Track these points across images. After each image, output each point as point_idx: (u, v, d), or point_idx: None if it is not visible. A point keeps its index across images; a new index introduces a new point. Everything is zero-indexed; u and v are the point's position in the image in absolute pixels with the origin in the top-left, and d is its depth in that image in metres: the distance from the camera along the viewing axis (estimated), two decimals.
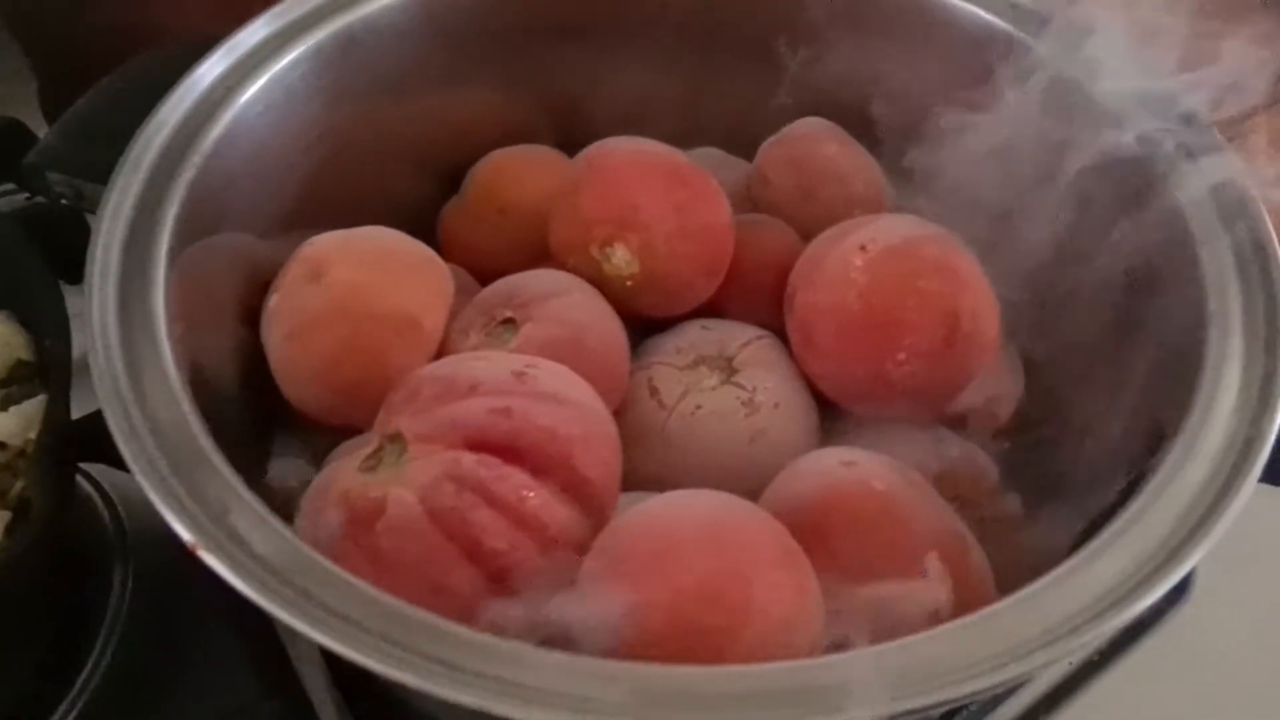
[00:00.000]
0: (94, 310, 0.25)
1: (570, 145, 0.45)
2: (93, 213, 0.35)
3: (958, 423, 0.37)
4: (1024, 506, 0.35)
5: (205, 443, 0.24)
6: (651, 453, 0.35)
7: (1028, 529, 0.34)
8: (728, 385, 0.36)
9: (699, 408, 0.35)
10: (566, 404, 0.28)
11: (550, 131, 0.46)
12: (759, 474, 0.34)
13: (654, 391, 0.36)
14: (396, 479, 0.26)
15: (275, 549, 0.22)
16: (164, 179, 0.29)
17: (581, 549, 0.27)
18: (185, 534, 0.21)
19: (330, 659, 0.40)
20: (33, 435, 0.38)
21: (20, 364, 0.41)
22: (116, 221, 0.27)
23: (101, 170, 0.34)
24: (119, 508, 0.47)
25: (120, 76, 0.36)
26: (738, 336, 0.37)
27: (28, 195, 0.56)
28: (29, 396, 0.40)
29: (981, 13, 0.38)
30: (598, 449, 0.28)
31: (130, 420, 0.23)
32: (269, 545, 0.22)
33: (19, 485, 0.37)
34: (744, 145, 0.46)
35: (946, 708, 0.20)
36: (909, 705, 0.20)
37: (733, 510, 0.26)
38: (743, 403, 0.35)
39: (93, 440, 0.39)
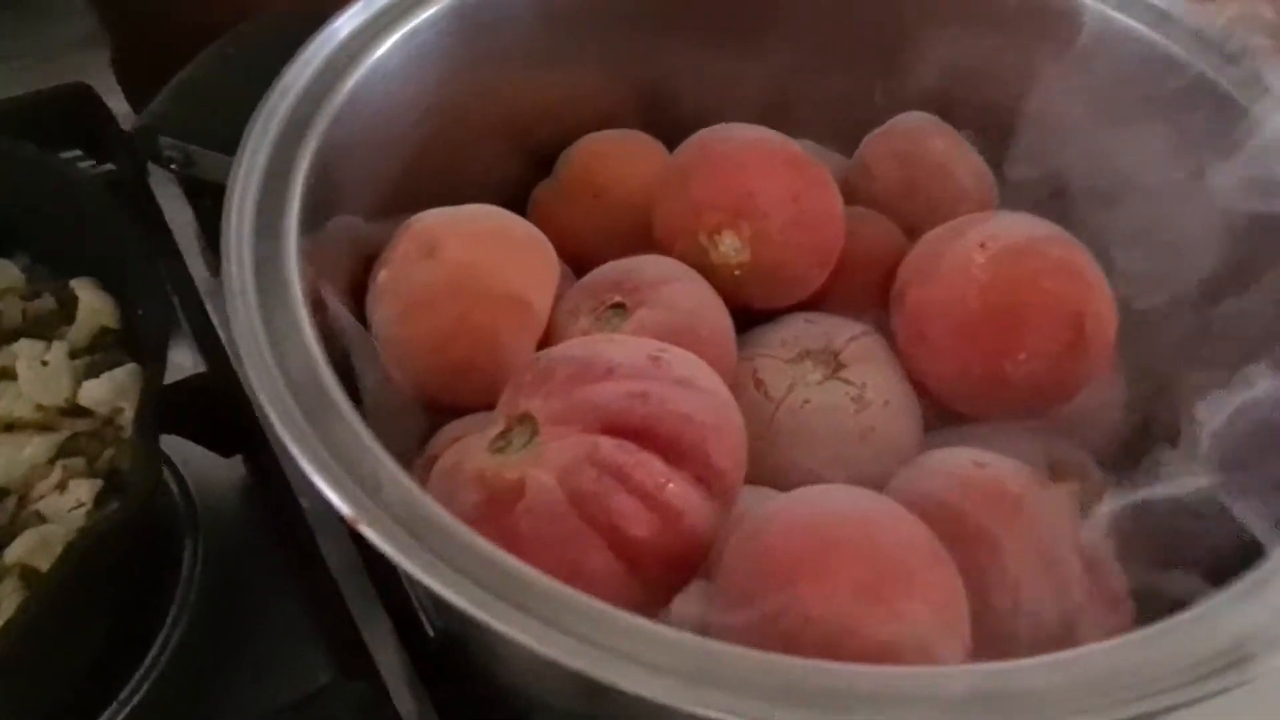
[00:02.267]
0: (232, 272, 0.24)
1: (660, 132, 0.44)
2: (201, 178, 0.34)
3: (1064, 426, 0.37)
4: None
5: (346, 407, 0.23)
6: (757, 446, 0.33)
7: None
8: (835, 380, 0.35)
9: (807, 402, 0.34)
10: (700, 391, 0.27)
11: (641, 118, 0.45)
12: (868, 471, 0.33)
13: (759, 384, 0.35)
14: (533, 460, 0.25)
15: (426, 524, 0.21)
16: (291, 146, 0.28)
17: (712, 538, 0.26)
18: (346, 509, 0.21)
19: (409, 643, 0.40)
20: (122, 404, 0.38)
21: (105, 331, 0.41)
22: (248, 189, 0.27)
23: (212, 136, 0.33)
24: (189, 483, 0.46)
25: (228, 43, 0.35)
26: (843, 331, 0.37)
27: (94, 163, 0.56)
28: (114, 364, 0.39)
29: (1100, 6, 0.37)
30: (729, 438, 0.27)
31: (278, 393, 0.22)
32: (420, 520, 0.21)
33: (108, 454, 0.37)
34: (837, 139, 0.45)
35: None
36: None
37: (882, 509, 0.25)
38: (852, 399, 0.34)
39: (170, 414, 0.38)
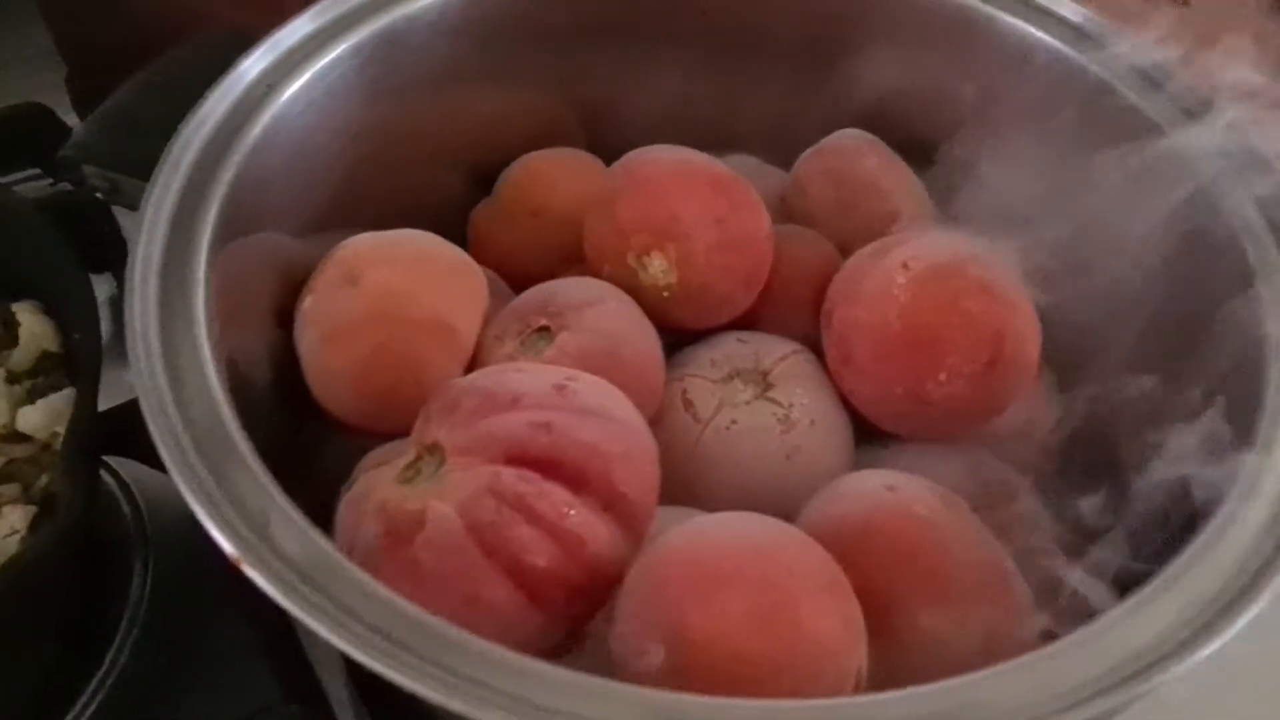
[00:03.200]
0: (135, 310, 0.25)
1: (602, 149, 0.44)
2: (127, 206, 0.35)
3: (993, 445, 0.37)
4: (1062, 535, 0.34)
5: (244, 447, 0.24)
6: (684, 467, 0.34)
7: (1066, 558, 0.33)
8: (763, 400, 0.35)
9: (734, 423, 0.35)
10: (608, 419, 0.27)
11: (583, 135, 0.45)
12: (793, 491, 0.33)
13: (688, 404, 0.35)
14: (436, 492, 0.26)
15: (315, 562, 0.21)
16: (205, 177, 0.29)
17: (619, 566, 0.27)
18: (228, 547, 0.21)
19: (351, 663, 0.40)
20: (59, 429, 0.38)
21: (46, 355, 0.41)
22: (158, 219, 0.27)
23: (137, 164, 0.33)
24: (139, 500, 0.47)
25: (155, 69, 0.36)
26: (773, 350, 0.37)
27: (51, 181, 0.56)
28: (55, 389, 0.40)
29: (1028, 27, 0.38)
30: (638, 466, 0.27)
31: (171, 424, 0.23)
32: (309, 558, 0.21)
33: (44, 479, 0.37)
34: (779, 153, 0.45)
35: None
36: None
37: (777, 535, 0.26)
38: (778, 419, 0.35)
39: (117, 434, 0.39)
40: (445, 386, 0.28)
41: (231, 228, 0.29)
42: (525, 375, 0.28)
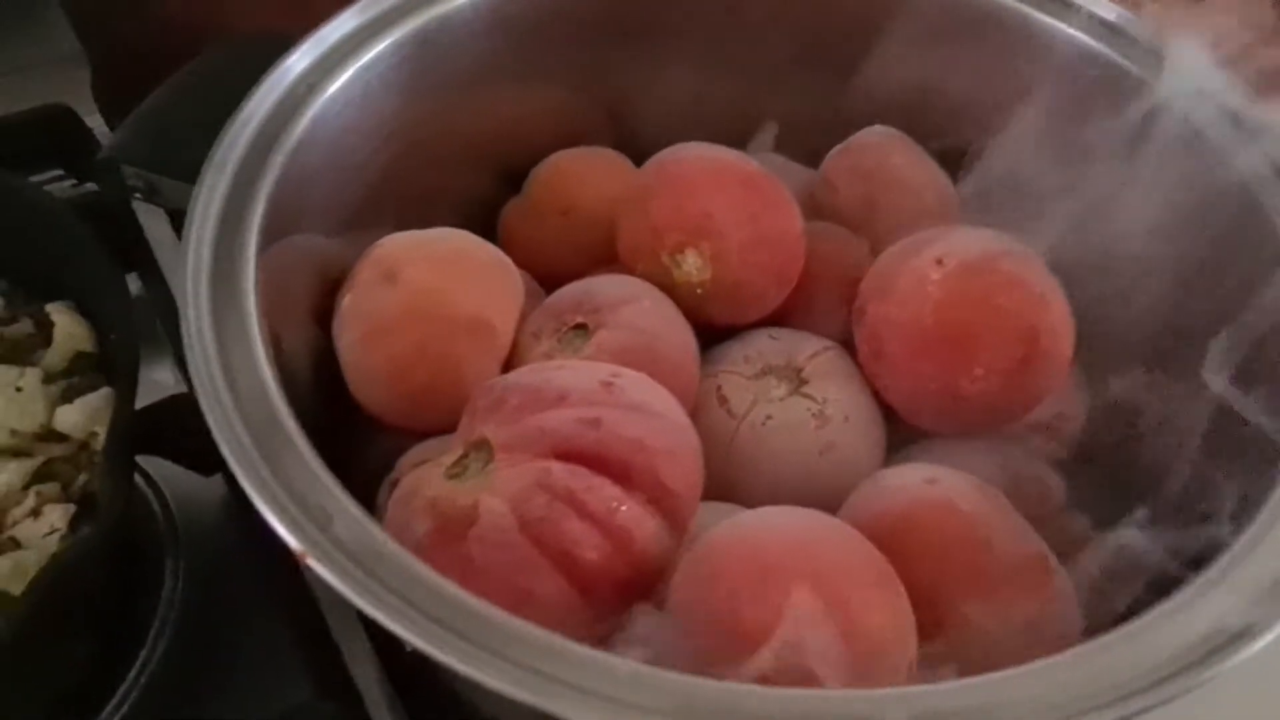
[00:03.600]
0: (189, 310, 0.25)
1: (630, 148, 0.45)
2: (164, 207, 0.35)
3: (1024, 439, 0.37)
4: (1092, 529, 0.35)
5: (301, 443, 0.24)
6: (720, 463, 0.34)
7: (1095, 552, 0.34)
8: (797, 396, 0.36)
9: (769, 418, 0.35)
10: (653, 415, 0.28)
11: (610, 133, 0.45)
12: (828, 486, 0.33)
13: (723, 400, 0.36)
14: (486, 487, 0.26)
15: (374, 555, 0.22)
16: (251, 176, 0.29)
17: (664, 560, 0.27)
18: (293, 541, 0.21)
19: (385, 658, 0.40)
20: (97, 429, 0.38)
21: (81, 356, 0.41)
22: (207, 219, 0.27)
23: (175, 165, 0.34)
24: (170, 501, 0.47)
25: (189, 71, 0.36)
26: (806, 347, 0.37)
27: (74, 182, 0.56)
28: (90, 389, 0.40)
29: (1068, 29, 0.38)
30: (683, 462, 0.28)
31: (230, 422, 0.23)
32: (368, 551, 0.22)
33: (82, 479, 0.37)
34: (805, 152, 0.45)
35: None
36: None
37: (825, 529, 0.26)
38: (813, 414, 0.35)
39: (148, 434, 0.39)
40: (489, 384, 0.28)
41: (275, 227, 0.29)
42: (570, 372, 0.28)
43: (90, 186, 0.56)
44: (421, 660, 0.40)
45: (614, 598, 0.26)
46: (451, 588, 0.22)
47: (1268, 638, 0.21)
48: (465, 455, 0.27)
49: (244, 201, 0.28)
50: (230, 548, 0.47)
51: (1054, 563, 0.29)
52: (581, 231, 0.41)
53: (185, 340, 0.24)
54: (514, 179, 0.44)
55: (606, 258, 0.40)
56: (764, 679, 0.22)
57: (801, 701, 0.21)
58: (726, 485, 0.34)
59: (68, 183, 0.57)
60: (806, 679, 0.22)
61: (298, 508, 0.22)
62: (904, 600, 0.25)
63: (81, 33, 0.54)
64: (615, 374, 0.28)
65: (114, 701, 0.40)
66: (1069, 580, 0.28)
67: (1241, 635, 0.21)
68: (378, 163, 0.36)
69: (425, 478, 0.27)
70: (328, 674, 0.41)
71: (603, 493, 0.26)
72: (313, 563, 0.21)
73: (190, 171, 0.33)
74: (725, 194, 0.35)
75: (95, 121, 0.58)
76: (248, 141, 0.29)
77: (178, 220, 0.49)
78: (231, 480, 0.48)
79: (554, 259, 0.41)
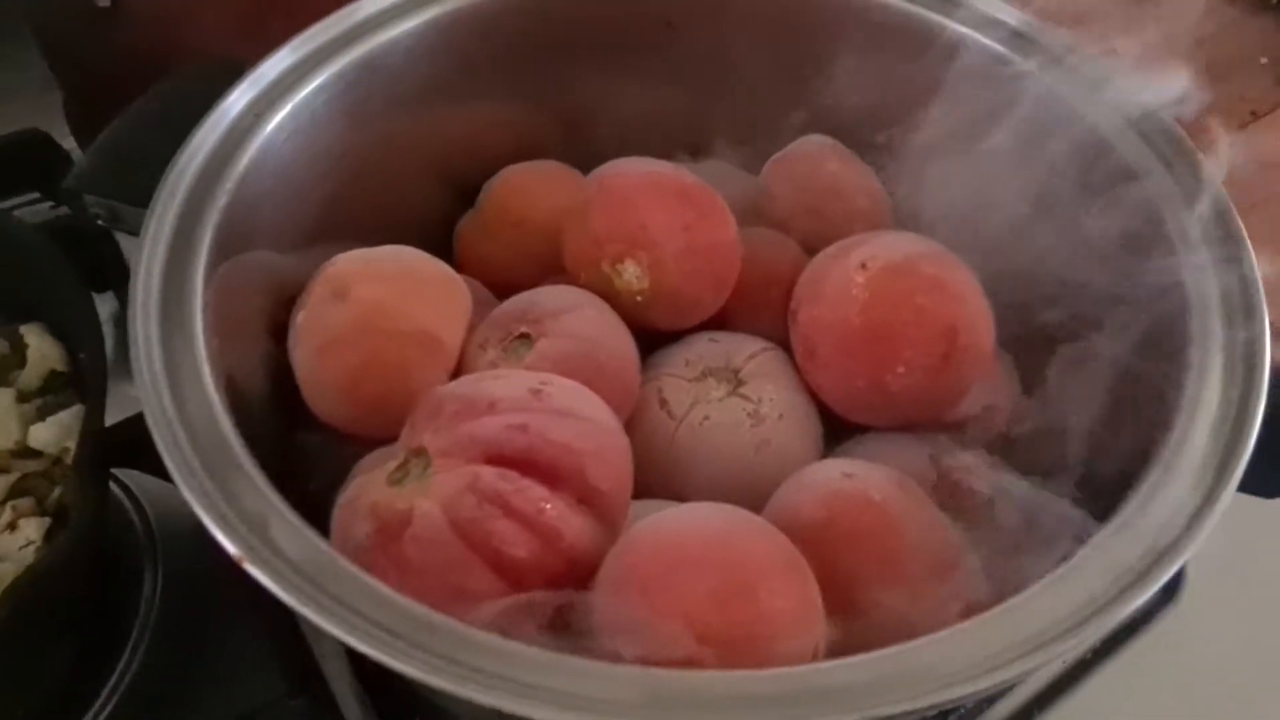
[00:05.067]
0: (138, 329, 0.27)
1: (581, 158, 0.46)
2: (127, 232, 0.37)
3: (956, 431, 0.39)
4: (1019, 515, 0.36)
5: (243, 455, 0.26)
6: (661, 462, 0.36)
7: (1023, 538, 0.35)
8: (734, 397, 0.37)
9: (707, 419, 0.37)
10: (580, 419, 0.29)
11: (561, 146, 0.47)
12: (764, 482, 0.35)
13: (664, 403, 0.37)
14: (421, 491, 0.28)
15: (311, 559, 0.23)
16: (199, 204, 0.31)
17: (596, 556, 0.29)
18: (231, 547, 0.23)
19: (354, 657, 0.42)
20: (69, 444, 0.40)
21: (54, 375, 0.43)
22: (157, 245, 0.29)
23: (136, 193, 0.35)
24: (148, 511, 0.49)
25: (149, 100, 0.38)
26: (744, 349, 0.39)
27: (52, 205, 0.58)
28: (64, 406, 0.42)
29: (980, 38, 0.39)
30: (611, 462, 0.29)
31: (175, 436, 0.25)
32: (305, 556, 0.23)
33: (57, 492, 0.39)
34: (753, 159, 0.47)
35: (930, 711, 0.22)
36: (886, 711, 0.21)
37: (739, 524, 0.28)
38: (748, 414, 0.36)
39: (125, 447, 0.41)
40: (428, 394, 0.30)
41: (226, 249, 0.31)
42: (502, 381, 0.30)
43: (66, 210, 0.58)
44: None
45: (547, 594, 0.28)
46: (381, 587, 0.23)
47: (1128, 609, 0.22)
48: (406, 462, 0.29)
49: (193, 227, 0.30)
50: (206, 554, 0.49)
51: (965, 551, 0.30)
52: (533, 243, 0.42)
53: (133, 356, 0.26)
54: (468, 193, 0.46)
55: (558, 268, 0.41)
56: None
57: (727, 683, 0.23)
58: (668, 483, 0.36)
59: (44, 205, 0.59)
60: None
61: (237, 516, 0.24)
62: (812, 587, 0.27)
63: (50, 59, 0.56)
64: (544, 381, 0.30)
65: (96, 704, 0.42)
66: (978, 564, 0.30)
67: (1107, 607, 0.22)
68: (329, 184, 0.37)
69: (367, 484, 0.29)
70: (300, 673, 0.42)
71: (530, 494, 0.27)
72: (248, 567, 0.22)
73: (149, 198, 0.34)
74: (661, 205, 0.37)
75: (70, 144, 0.60)
76: (196, 170, 0.31)
77: None
78: None
79: (507, 270, 0.43)
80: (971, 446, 0.38)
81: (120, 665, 0.43)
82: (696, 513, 0.28)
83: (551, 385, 0.30)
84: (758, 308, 0.40)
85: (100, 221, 0.35)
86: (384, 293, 0.35)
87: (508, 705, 0.22)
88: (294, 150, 0.34)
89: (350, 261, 0.36)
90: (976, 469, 0.37)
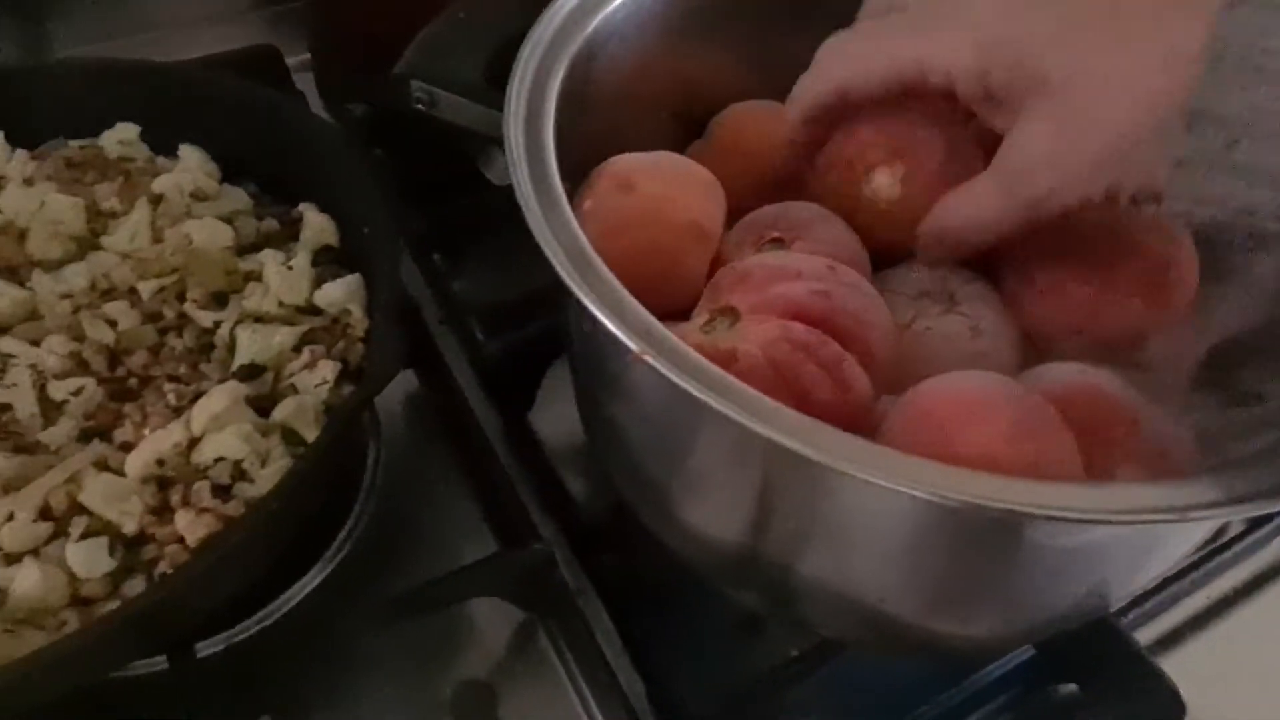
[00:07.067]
0: (521, 188, 0.32)
1: None
2: (442, 117, 0.42)
3: (1141, 371, 0.43)
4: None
5: (613, 281, 0.30)
6: None
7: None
8: (952, 314, 0.42)
9: (929, 329, 0.41)
10: (867, 295, 0.34)
11: (771, 94, 0.52)
12: None
13: None
14: (741, 337, 0.32)
15: (694, 363, 0.28)
16: (541, 91, 0.36)
17: (868, 411, 0.33)
18: (633, 344, 0.28)
19: (563, 521, 0.46)
20: (350, 307, 0.45)
21: (325, 249, 0.48)
22: (517, 121, 0.34)
23: (452, 81, 0.41)
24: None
25: (459, 6, 0.43)
26: (955, 277, 0.43)
27: None
28: (334, 276, 0.47)
29: None
30: (886, 334, 0.34)
31: (570, 263, 0.30)
32: (688, 360, 0.28)
33: (340, 346, 0.44)
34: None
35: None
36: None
37: (1011, 385, 0.32)
38: (969, 328, 0.41)
39: None
40: (730, 267, 0.35)
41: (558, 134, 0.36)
42: (801, 257, 0.34)
43: None
44: (600, 520, 0.46)
45: None
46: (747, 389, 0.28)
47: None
48: (711, 319, 0.34)
49: (539, 111, 0.35)
50: (418, 431, 0.54)
51: (1189, 439, 0.35)
52: (761, 171, 0.47)
53: (524, 210, 0.31)
54: (694, 125, 0.50)
55: (780, 196, 0.46)
56: None
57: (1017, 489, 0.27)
58: (889, 383, 0.40)
59: None
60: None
61: (621, 320, 0.28)
62: (1074, 444, 0.31)
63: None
64: (834, 263, 0.35)
65: (326, 556, 0.46)
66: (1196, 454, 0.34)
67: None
68: (610, 94, 0.42)
69: (684, 332, 0.34)
70: (514, 532, 0.47)
71: (832, 348, 0.32)
72: (651, 360, 0.27)
73: (463, 89, 0.40)
74: (928, 122, 0.41)
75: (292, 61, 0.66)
76: (537, 61, 0.36)
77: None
78: (423, 373, 0.55)
79: (732, 193, 0.47)
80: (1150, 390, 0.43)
81: (348, 524, 0.47)
82: (975, 375, 0.33)
83: (840, 267, 0.34)
84: None
85: (420, 105, 0.40)
86: (664, 188, 0.40)
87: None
88: (605, 55, 0.39)
89: (633, 161, 0.41)
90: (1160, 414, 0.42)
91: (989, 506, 0.25)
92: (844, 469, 0.26)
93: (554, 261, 0.30)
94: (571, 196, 0.41)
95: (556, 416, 0.52)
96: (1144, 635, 0.44)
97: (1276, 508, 0.26)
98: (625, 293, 0.30)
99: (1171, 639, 0.45)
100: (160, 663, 0.39)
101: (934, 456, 0.30)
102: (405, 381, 0.55)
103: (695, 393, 0.27)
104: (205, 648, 0.40)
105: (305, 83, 0.65)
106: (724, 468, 0.32)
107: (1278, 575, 0.46)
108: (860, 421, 0.33)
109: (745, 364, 0.31)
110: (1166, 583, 0.45)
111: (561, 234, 0.31)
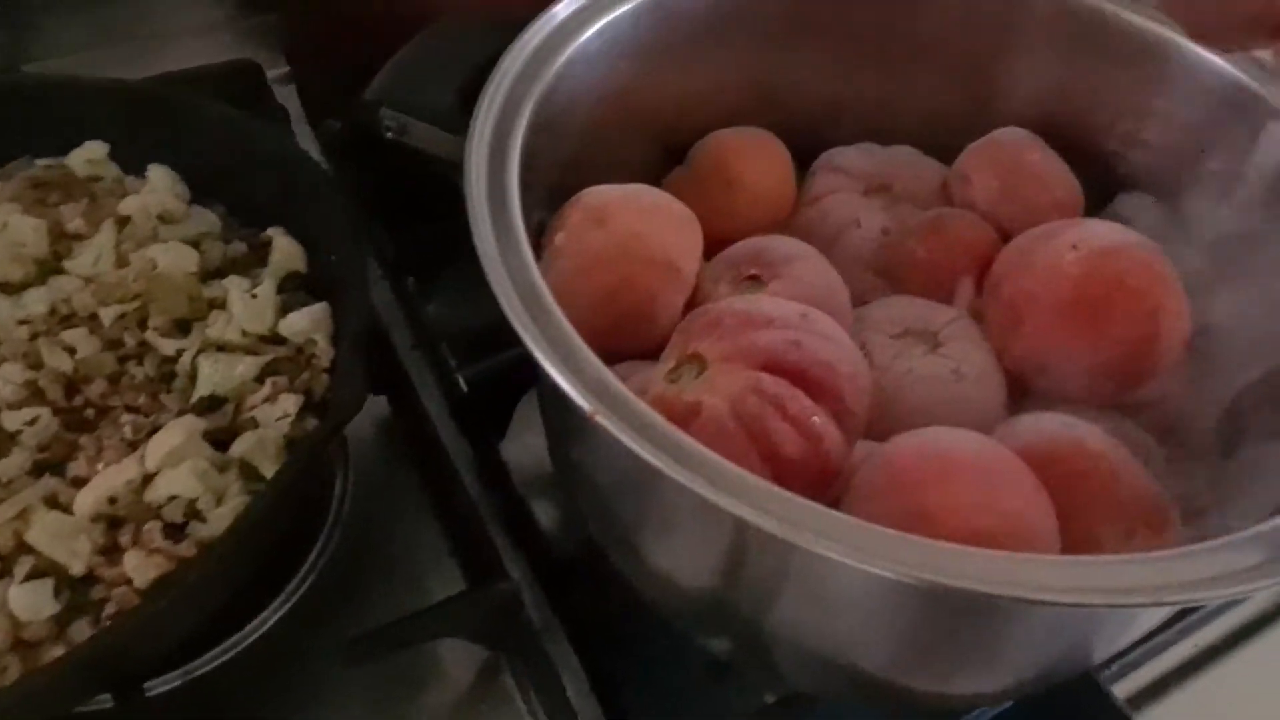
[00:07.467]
0: (477, 224, 0.31)
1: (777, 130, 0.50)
2: (413, 146, 0.40)
3: (1130, 413, 0.42)
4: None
5: (570, 331, 0.29)
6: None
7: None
8: (934, 355, 0.40)
9: (910, 370, 0.40)
10: (839, 345, 0.33)
11: (762, 119, 0.51)
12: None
13: (867, 355, 0.40)
14: (706, 389, 0.31)
15: (648, 422, 0.27)
16: (509, 121, 0.34)
17: (841, 464, 0.32)
18: (584, 404, 0.26)
19: (532, 550, 0.45)
20: (315, 336, 0.44)
21: (292, 275, 0.47)
22: (480, 153, 0.33)
23: (424, 109, 0.39)
24: None
25: (431, 34, 0.41)
26: (939, 315, 0.42)
27: None
28: (301, 304, 0.45)
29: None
30: (860, 386, 0.33)
31: (524, 309, 0.28)
32: (641, 419, 0.27)
33: (304, 377, 0.43)
34: (936, 148, 0.50)
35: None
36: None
37: (990, 446, 0.31)
38: (951, 371, 0.40)
39: None
40: (701, 310, 0.34)
41: (524, 165, 0.35)
42: (773, 303, 0.33)
43: None
44: (570, 558, 0.45)
45: (801, 489, 0.31)
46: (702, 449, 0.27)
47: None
48: (679, 365, 0.33)
49: (504, 145, 0.34)
50: (389, 459, 0.53)
51: (1175, 518, 0.33)
52: (741, 202, 0.46)
53: (477, 242, 0.29)
54: (674, 152, 0.49)
55: (760, 227, 0.45)
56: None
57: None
58: (871, 428, 0.39)
59: None
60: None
61: (576, 376, 0.27)
62: (1048, 505, 0.30)
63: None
64: (806, 309, 0.33)
65: (287, 589, 0.45)
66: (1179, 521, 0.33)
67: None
68: (585, 122, 0.41)
69: (649, 382, 0.32)
70: (482, 568, 0.46)
71: (802, 402, 0.31)
72: (600, 420, 0.26)
73: (434, 117, 0.38)
74: None
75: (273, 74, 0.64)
76: (506, 91, 0.35)
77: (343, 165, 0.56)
78: (395, 399, 0.54)
79: (713, 225, 0.46)
80: (1146, 426, 0.41)
81: (312, 556, 0.46)
82: (950, 433, 0.32)
83: (813, 313, 0.33)
84: (943, 279, 0.43)
85: (389, 134, 0.38)
86: (639, 223, 0.39)
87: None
88: (576, 83, 0.38)
89: (606, 193, 0.40)
90: (1153, 449, 0.40)
91: (958, 589, 0.23)
92: (806, 545, 0.24)
93: (508, 311, 0.28)
94: (543, 226, 0.40)
95: (529, 446, 0.50)
96: (1126, 688, 0.43)
97: (1252, 591, 0.25)
98: (581, 343, 0.29)
99: (1153, 691, 0.44)
100: (106, 700, 0.38)
101: (906, 517, 0.28)
102: (377, 405, 0.54)
103: (648, 458, 0.25)
104: (159, 685, 0.39)
105: (287, 95, 0.64)
106: (688, 525, 0.31)
107: (1261, 628, 0.45)
108: (831, 474, 0.31)
109: (709, 420, 0.30)
110: (1150, 635, 0.43)
111: (518, 277, 0.30)
